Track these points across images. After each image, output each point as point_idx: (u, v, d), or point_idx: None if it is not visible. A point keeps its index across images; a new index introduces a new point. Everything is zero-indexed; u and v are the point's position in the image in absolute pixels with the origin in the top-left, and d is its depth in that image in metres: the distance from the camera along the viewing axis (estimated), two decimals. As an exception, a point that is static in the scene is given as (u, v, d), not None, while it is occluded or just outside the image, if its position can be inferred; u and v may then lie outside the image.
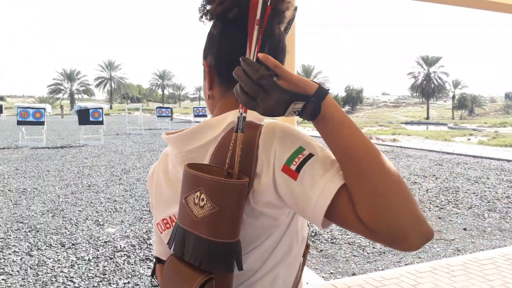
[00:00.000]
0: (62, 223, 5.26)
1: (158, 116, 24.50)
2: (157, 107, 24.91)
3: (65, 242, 4.57)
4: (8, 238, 4.65)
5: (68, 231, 4.97)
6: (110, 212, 5.86)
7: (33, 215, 5.61)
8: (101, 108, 16.18)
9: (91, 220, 5.44)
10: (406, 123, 42.06)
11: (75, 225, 5.21)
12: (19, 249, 4.33)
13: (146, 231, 4.97)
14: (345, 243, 4.68)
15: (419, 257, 4.32)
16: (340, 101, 70.92)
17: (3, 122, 29.46)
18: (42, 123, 15.05)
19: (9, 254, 4.18)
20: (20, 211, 5.82)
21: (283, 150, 0.71)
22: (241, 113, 0.73)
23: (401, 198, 0.62)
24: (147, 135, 19.30)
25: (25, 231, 4.93)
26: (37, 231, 4.93)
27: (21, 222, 5.28)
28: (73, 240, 4.64)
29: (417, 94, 65.07)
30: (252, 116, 0.80)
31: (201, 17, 0.85)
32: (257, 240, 0.77)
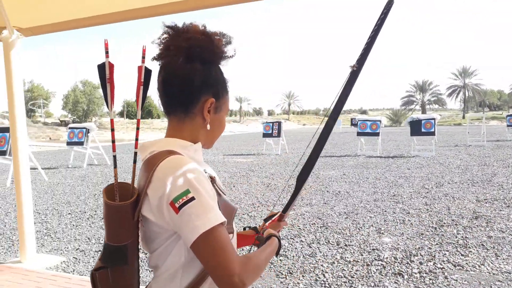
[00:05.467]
0: (349, 225, 5.82)
1: (508, 125, 21.29)
2: (507, 115, 21.70)
3: (341, 241, 5.09)
4: (301, 230, 5.65)
5: (349, 232, 5.47)
6: (397, 222, 5.92)
7: (331, 214, 6.49)
8: (434, 119, 15.88)
9: (375, 227, 5.72)
10: None
11: (358, 228, 5.65)
12: (305, 239, 5.22)
13: (419, 247, 4.75)
14: None
15: None
16: None
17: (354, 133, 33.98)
18: (377, 134, 16.48)
19: (295, 242, 5.12)
20: (324, 209, 6.86)
21: (174, 188, 0.93)
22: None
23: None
24: (489, 147, 17.25)
25: (318, 226, 5.83)
26: (326, 228, 5.71)
27: (320, 219, 6.24)
28: (348, 241, 5.10)
29: None
30: (177, 144, 1.06)
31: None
32: (154, 243, 1.03)
